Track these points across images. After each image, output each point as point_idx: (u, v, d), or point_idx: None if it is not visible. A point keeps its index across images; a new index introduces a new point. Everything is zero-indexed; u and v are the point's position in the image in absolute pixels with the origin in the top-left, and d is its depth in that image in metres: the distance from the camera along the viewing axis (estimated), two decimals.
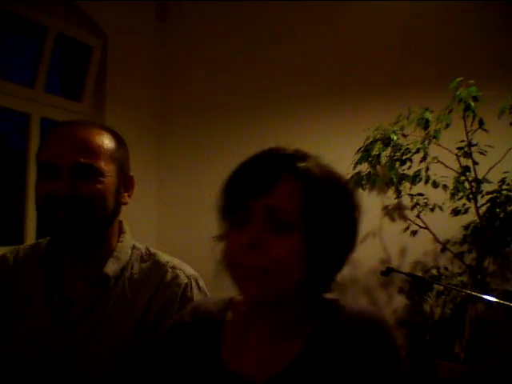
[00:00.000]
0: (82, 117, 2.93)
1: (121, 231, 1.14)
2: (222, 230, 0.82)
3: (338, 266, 0.82)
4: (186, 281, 1.09)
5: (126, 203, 1.12)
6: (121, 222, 1.15)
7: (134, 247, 1.14)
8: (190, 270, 1.12)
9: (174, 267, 1.11)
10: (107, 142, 1.07)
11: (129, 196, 1.12)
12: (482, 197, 2.64)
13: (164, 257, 1.14)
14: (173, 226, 3.58)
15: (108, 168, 1.05)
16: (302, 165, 0.78)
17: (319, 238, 0.76)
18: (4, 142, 3.32)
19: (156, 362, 0.89)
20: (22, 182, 2.83)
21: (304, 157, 0.80)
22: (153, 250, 1.16)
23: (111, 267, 1.07)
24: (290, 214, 0.75)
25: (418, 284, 2.78)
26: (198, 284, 1.11)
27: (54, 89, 3.17)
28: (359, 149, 2.87)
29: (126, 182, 1.11)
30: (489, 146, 2.59)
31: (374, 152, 2.80)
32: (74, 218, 1.00)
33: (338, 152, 3.15)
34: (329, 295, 0.85)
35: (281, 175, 0.76)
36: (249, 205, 0.76)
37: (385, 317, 0.81)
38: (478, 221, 2.63)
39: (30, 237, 2.80)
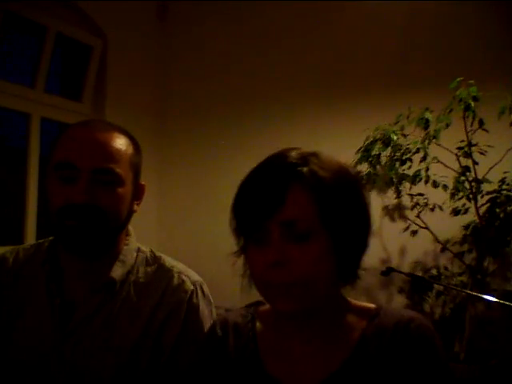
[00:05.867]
0: (82, 117, 2.93)
1: (126, 233, 1.12)
2: (239, 245, 0.82)
3: (362, 252, 0.82)
4: (192, 287, 1.08)
5: (134, 211, 1.09)
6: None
7: (139, 250, 1.12)
8: (194, 276, 1.11)
9: (179, 272, 1.09)
10: (127, 146, 1.04)
11: (137, 204, 1.10)
12: (482, 197, 2.63)
13: (169, 261, 1.13)
14: (173, 227, 3.58)
15: (127, 175, 1.02)
16: (306, 170, 0.77)
17: (341, 237, 0.77)
18: (4, 142, 3.32)
19: (198, 378, 0.88)
20: (22, 182, 2.82)
21: (307, 160, 0.78)
22: (158, 254, 1.14)
23: (117, 271, 1.05)
24: (306, 222, 0.75)
25: (417, 284, 2.78)
26: (202, 290, 1.10)
27: (54, 89, 3.17)
28: (359, 149, 2.87)
29: (137, 190, 1.09)
30: (489, 145, 2.58)
31: (374, 152, 2.80)
32: (85, 226, 0.97)
33: (338, 152, 3.16)
34: (367, 304, 0.85)
35: (288, 187, 0.75)
36: (264, 224, 0.75)
37: (428, 321, 0.80)
38: (477, 221, 2.63)
39: (30, 237, 2.80)
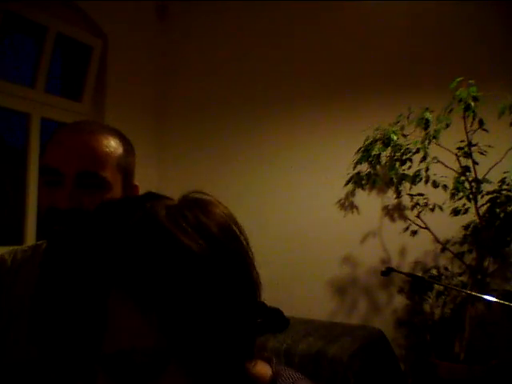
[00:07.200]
0: (82, 117, 2.93)
1: None
2: None
3: (248, 351, 0.55)
4: None
5: None
6: None
7: None
8: None
9: None
10: (114, 148, 1.01)
11: None
12: (482, 197, 2.63)
13: None
14: None
15: (114, 178, 1.00)
16: (126, 267, 0.48)
17: (204, 355, 0.50)
18: (4, 142, 3.32)
19: None
20: (22, 182, 2.83)
21: (128, 244, 0.50)
22: None
23: None
24: (148, 354, 0.48)
25: (418, 284, 2.78)
26: None
27: (54, 89, 3.17)
28: (359, 149, 2.87)
29: (128, 192, 1.06)
30: (489, 146, 2.58)
31: (374, 152, 2.80)
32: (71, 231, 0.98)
33: (338, 152, 3.17)
34: (263, 372, 0.60)
35: (107, 303, 0.48)
36: (85, 359, 0.49)
37: None
38: (477, 221, 2.63)
39: (30, 237, 2.80)
